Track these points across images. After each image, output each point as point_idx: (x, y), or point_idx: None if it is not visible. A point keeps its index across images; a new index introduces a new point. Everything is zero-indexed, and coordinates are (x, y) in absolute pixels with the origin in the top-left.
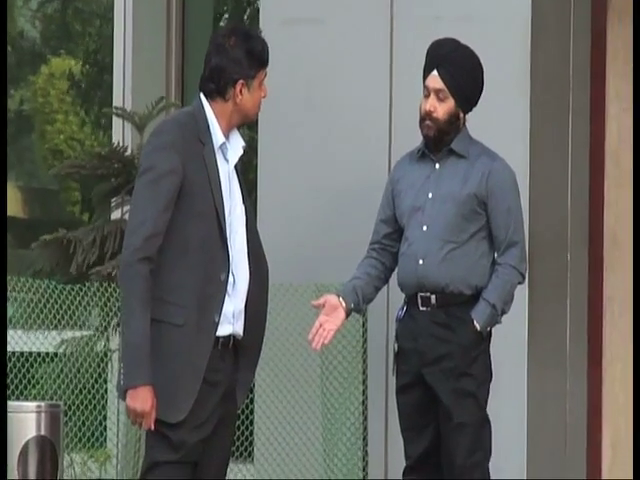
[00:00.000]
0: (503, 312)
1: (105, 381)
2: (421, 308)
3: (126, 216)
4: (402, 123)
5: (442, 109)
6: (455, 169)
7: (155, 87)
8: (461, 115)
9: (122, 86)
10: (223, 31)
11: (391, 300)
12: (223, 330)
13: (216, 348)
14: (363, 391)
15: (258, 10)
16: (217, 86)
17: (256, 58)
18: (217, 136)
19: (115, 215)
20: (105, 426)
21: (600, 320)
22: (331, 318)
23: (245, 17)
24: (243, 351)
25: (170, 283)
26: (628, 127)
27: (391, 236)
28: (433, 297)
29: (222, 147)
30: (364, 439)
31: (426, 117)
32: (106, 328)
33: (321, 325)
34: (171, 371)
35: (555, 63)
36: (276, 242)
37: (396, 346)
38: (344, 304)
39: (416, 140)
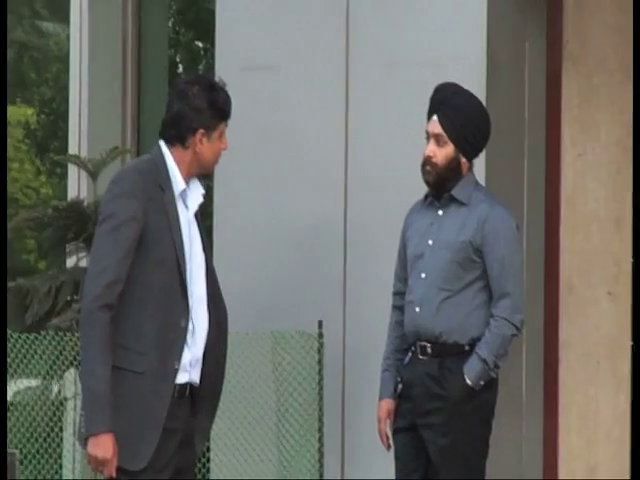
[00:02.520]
0: (496, 366)
1: (61, 429)
2: (420, 357)
3: (81, 263)
4: (358, 169)
5: (441, 154)
6: (456, 216)
7: (111, 135)
8: (463, 160)
9: (78, 134)
10: (187, 78)
11: (347, 350)
12: (180, 378)
13: (173, 396)
14: (319, 439)
15: (214, 57)
16: (177, 133)
17: (218, 109)
18: (177, 182)
19: (70, 262)
20: (61, 475)
21: (556, 366)
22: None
23: (201, 65)
24: (201, 399)
25: (130, 330)
26: (583, 173)
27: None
28: (429, 346)
29: (182, 194)
30: None
31: (426, 163)
32: (61, 377)
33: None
34: (132, 419)
35: (510, 109)
36: (232, 289)
37: (399, 388)
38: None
39: (371, 186)
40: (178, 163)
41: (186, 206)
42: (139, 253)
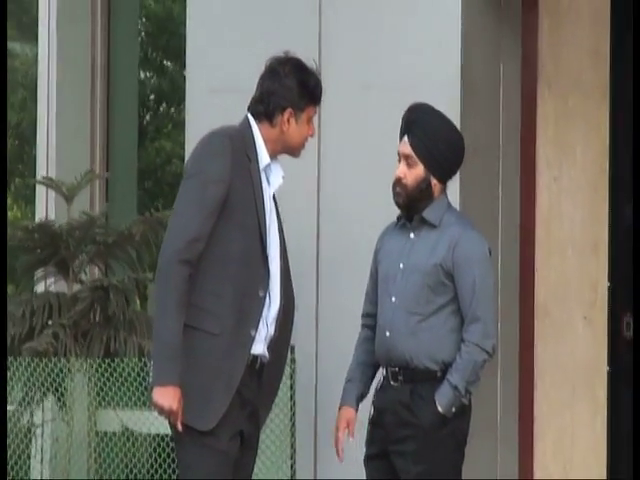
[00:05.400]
0: (468, 392)
1: (29, 457)
2: (391, 383)
3: (51, 288)
4: (330, 192)
5: (411, 175)
6: (427, 239)
7: (79, 158)
8: (434, 182)
9: (46, 157)
10: (279, 58)
11: (319, 376)
12: (255, 348)
13: (247, 364)
14: (292, 465)
15: (184, 79)
16: (266, 109)
17: (307, 91)
18: (263, 156)
19: (39, 288)
20: None
21: (531, 392)
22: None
23: (171, 86)
24: (266, 375)
25: (208, 292)
26: (559, 195)
27: None
28: (400, 372)
29: (266, 168)
30: None
31: (396, 184)
32: (29, 403)
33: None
34: (205, 379)
35: (485, 131)
36: None
37: (372, 412)
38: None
39: (344, 210)
40: (265, 139)
41: (268, 182)
42: (222, 215)
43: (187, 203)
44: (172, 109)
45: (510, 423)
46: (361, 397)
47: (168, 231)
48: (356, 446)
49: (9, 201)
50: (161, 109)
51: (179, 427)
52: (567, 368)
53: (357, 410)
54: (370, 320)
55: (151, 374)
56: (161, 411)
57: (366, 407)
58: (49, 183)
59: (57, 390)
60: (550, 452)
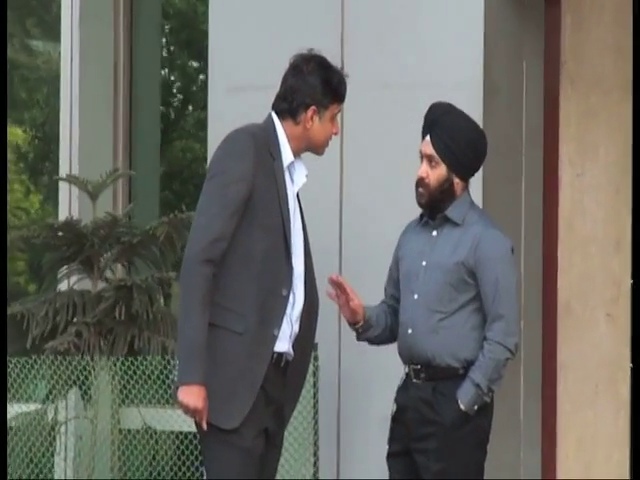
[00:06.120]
0: (490, 390)
1: (52, 455)
2: (413, 380)
3: (75, 287)
4: (353, 191)
5: (433, 175)
6: (449, 237)
7: (102, 157)
8: (456, 181)
9: (69, 155)
10: (303, 55)
11: (342, 373)
12: (279, 346)
13: (271, 362)
14: (315, 463)
15: (207, 77)
16: (289, 106)
17: (331, 89)
18: (286, 154)
19: (63, 286)
20: None
21: (554, 389)
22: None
23: (194, 84)
24: (291, 372)
25: (231, 291)
26: (581, 193)
27: (397, 298)
28: (422, 370)
29: (290, 166)
30: None
31: (418, 184)
32: (53, 401)
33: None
34: (228, 377)
35: (508, 129)
36: None
37: (394, 409)
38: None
39: (366, 209)
40: (288, 137)
41: (292, 180)
42: (245, 215)
43: (210, 203)
44: (195, 108)
45: (533, 421)
46: (368, 323)
47: (192, 231)
48: (378, 444)
49: (35, 199)
50: (189, 108)
51: (204, 426)
52: (590, 365)
53: (363, 313)
54: (386, 307)
55: (174, 372)
56: (186, 410)
57: (388, 404)
58: (74, 180)
59: (80, 388)
60: (573, 450)
